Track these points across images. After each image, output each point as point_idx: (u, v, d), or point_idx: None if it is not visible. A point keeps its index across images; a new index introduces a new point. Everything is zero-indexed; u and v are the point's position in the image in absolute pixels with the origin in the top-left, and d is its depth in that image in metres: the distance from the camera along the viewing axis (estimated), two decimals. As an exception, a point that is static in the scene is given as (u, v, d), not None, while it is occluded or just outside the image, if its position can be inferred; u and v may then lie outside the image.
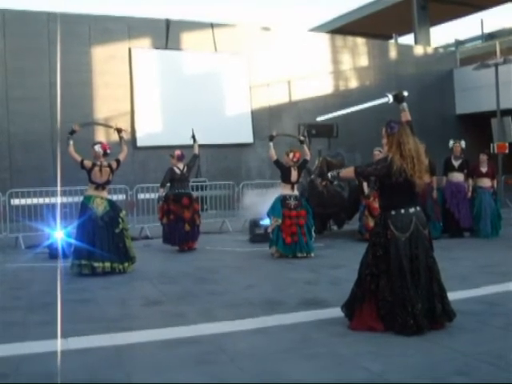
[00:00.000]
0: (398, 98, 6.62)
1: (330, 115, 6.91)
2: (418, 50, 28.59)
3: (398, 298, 5.86)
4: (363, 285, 6.06)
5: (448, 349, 5.36)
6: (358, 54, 26.01)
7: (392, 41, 31.53)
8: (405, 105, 6.61)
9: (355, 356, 5.23)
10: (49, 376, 4.16)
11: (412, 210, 6.15)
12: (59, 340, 5.21)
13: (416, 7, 30.39)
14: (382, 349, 5.41)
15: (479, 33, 34.72)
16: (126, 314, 7.15)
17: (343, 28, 33.49)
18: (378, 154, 12.80)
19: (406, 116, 6.59)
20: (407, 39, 35.20)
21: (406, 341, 5.62)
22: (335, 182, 11.52)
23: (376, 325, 5.92)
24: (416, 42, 30.70)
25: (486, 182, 13.54)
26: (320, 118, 6.92)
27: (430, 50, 29.58)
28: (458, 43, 32.57)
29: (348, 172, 6.54)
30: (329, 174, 6.46)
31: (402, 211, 6.14)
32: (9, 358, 5.35)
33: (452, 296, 7.29)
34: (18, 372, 4.94)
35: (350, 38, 26.39)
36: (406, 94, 6.62)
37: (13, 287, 8.86)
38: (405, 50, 28.20)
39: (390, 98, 6.66)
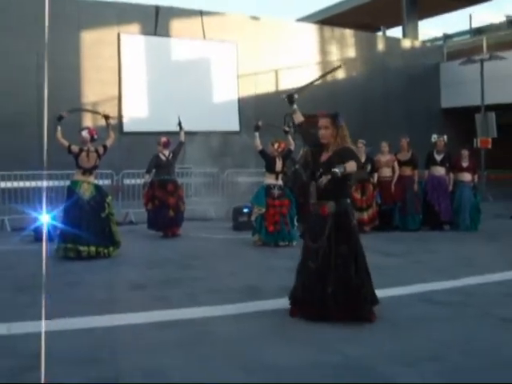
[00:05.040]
0: (289, 99, 6.72)
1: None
2: (406, 43, 28.75)
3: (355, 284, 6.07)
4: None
5: (422, 336, 5.56)
6: (345, 45, 26.12)
7: (380, 33, 31.66)
8: (295, 107, 6.71)
9: (332, 341, 5.42)
10: (37, 356, 4.29)
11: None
12: (43, 321, 5.33)
13: (405, 0, 30.51)
14: (358, 335, 5.61)
15: (467, 27, 34.95)
16: (112, 297, 7.30)
17: (331, 19, 33.56)
18: (362, 146, 13.00)
19: (299, 117, 6.70)
20: (395, 32, 35.37)
21: (382, 327, 5.83)
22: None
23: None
24: (404, 35, 30.84)
25: (466, 177, 13.73)
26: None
27: (417, 43, 29.74)
28: (446, 37, 32.75)
29: (352, 166, 6.23)
30: (337, 170, 5.84)
31: (348, 200, 6.35)
32: (-3, 336, 5.50)
33: (430, 286, 7.59)
34: (5, 351, 5.09)
35: (338, 30, 26.45)
36: (296, 96, 6.71)
37: (-1, 269, 8.99)
38: (392, 42, 28.35)
39: (284, 97, 6.78)
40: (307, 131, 6.71)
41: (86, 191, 10.07)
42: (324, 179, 5.91)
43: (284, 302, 6.40)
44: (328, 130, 6.25)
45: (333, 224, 6.10)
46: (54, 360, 4.63)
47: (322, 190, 6.09)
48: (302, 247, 6.51)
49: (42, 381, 3.91)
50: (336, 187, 6.08)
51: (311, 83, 7.28)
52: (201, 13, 22.13)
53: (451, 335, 5.59)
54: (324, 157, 6.29)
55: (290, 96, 6.69)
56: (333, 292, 5.95)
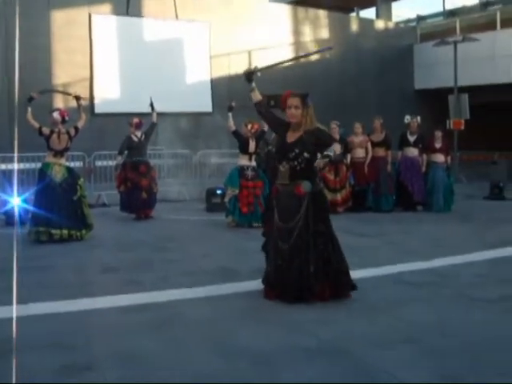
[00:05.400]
0: (247, 77, 6.53)
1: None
2: (379, 25, 28.71)
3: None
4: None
5: (396, 318, 5.56)
6: (319, 26, 26.01)
7: (353, 14, 31.60)
8: (254, 85, 6.51)
9: (305, 323, 5.40)
10: (9, 341, 4.24)
11: None
12: (14, 306, 5.26)
13: (379, -19, 30.49)
14: (331, 316, 5.60)
15: (440, 9, 34.94)
16: (85, 280, 7.24)
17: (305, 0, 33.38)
18: (335, 127, 12.99)
19: (256, 96, 6.52)
20: (369, 13, 35.29)
21: (356, 309, 5.84)
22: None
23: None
24: (377, 16, 30.82)
25: (439, 158, 13.78)
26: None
27: (391, 24, 29.73)
28: (419, 19, 32.72)
29: (338, 148, 6.35)
30: (331, 154, 5.95)
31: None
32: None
33: (403, 268, 7.62)
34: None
35: (311, 10, 26.32)
36: (259, 74, 6.50)
37: (-31, 252, 8.86)
38: (366, 23, 28.28)
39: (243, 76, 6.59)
40: (267, 110, 6.65)
41: (57, 173, 9.96)
42: (321, 162, 5.87)
43: (258, 284, 6.39)
44: (298, 109, 6.17)
45: (310, 203, 6.08)
46: (25, 346, 4.57)
47: (296, 170, 6.06)
48: (265, 230, 6.53)
49: (14, 367, 3.85)
50: (309, 167, 6.09)
51: (277, 64, 7.18)
52: (173, -8, 21.91)
53: (426, 316, 5.60)
54: (292, 137, 6.22)
55: (249, 73, 6.52)
56: (315, 270, 5.97)
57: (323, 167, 6.04)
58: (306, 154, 6.05)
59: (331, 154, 5.73)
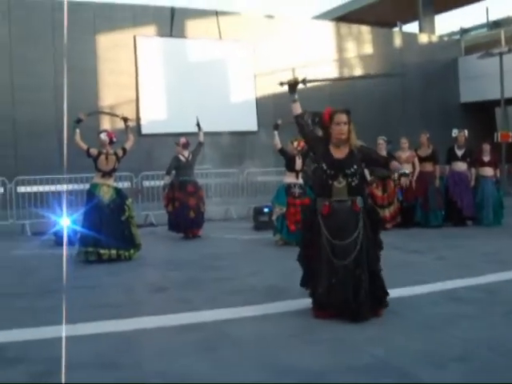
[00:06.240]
0: (290, 87, 6.44)
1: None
2: (423, 38, 28.55)
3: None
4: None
5: (449, 335, 5.45)
6: (362, 41, 25.98)
7: (396, 29, 31.47)
8: (296, 97, 6.43)
9: (358, 341, 5.32)
10: (59, 361, 4.26)
11: None
12: (64, 326, 5.28)
13: (421, -5, 30.32)
14: (383, 334, 5.52)
15: (484, 21, 34.61)
16: (133, 300, 7.26)
17: (347, 16, 33.38)
18: (382, 143, 12.91)
19: (297, 109, 6.45)
20: (412, 27, 35.12)
21: (406, 326, 5.76)
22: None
23: None
24: (421, 30, 30.64)
25: (488, 171, 13.59)
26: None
27: (434, 38, 29.54)
28: (463, 31, 32.47)
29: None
30: (407, 172, 6.36)
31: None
32: (20, 343, 5.45)
33: (454, 284, 7.47)
34: (29, 357, 5.05)
35: (354, 26, 26.33)
36: (302, 85, 6.41)
37: (20, 273, 9.00)
38: (409, 38, 28.14)
39: (282, 83, 6.47)
40: (308, 125, 6.64)
41: (105, 194, 10.06)
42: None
43: (307, 303, 6.32)
44: (346, 125, 6.13)
45: (366, 218, 6.06)
46: (74, 365, 4.60)
47: (352, 186, 6.01)
48: (304, 253, 6.42)
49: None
50: (361, 183, 6.15)
51: (324, 80, 7.16)
52: (216, 13, 22.10)
53: (479, 334, 5.48)
54: (340, 153, 6.16)
55: (294, 83, 6.44)
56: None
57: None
58: (360, 170, 6.08)
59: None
